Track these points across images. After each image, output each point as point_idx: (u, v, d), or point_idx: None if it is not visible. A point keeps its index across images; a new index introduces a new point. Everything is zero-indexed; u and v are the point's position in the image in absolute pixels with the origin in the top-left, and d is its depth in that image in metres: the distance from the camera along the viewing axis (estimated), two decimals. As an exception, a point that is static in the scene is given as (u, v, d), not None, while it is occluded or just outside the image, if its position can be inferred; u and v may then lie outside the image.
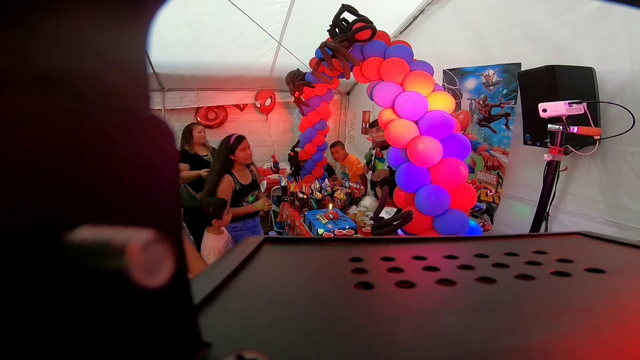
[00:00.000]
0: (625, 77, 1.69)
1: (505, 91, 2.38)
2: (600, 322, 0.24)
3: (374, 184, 3.42)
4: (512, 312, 0.26)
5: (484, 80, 2.54)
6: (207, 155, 3.14)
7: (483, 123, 2.58)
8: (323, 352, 0.20)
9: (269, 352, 0.19)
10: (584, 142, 1.76)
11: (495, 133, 2.48)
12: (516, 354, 0.20)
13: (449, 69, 2.85)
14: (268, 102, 4.60)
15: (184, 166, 2.91)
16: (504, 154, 2.43)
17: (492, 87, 2.48)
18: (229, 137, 2.34)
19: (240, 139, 2.32)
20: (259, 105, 4.58)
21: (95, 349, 0.14)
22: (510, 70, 2.31)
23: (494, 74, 2.45)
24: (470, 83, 2.67)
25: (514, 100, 2.30)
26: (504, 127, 2.40)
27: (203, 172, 2.88)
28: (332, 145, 3.82)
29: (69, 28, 0.14)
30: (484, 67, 2.52)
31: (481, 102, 2.57)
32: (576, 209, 1.99)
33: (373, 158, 3.31)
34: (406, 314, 0.26)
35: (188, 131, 3.07)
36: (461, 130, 2.53)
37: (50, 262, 0.12)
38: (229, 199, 2.22)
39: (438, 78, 2.64)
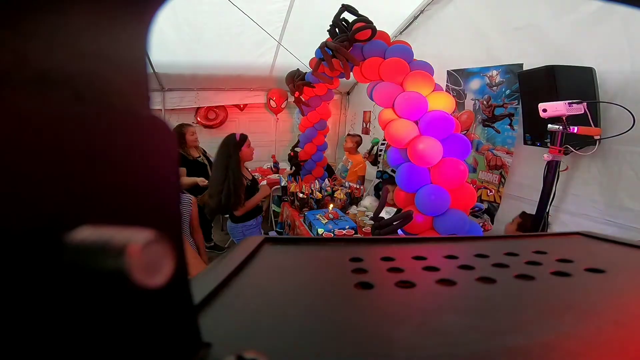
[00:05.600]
0: (625, 77, 1.69)
1: (508, 92, 2.38)
2: (600, 322, 0.24)
3: (376, 187, 3.41)
4: (512, 312, 0.26)
5: (488, 81, 2.54)
6: (200, 157, 3.13)
7: (487, 123, 2.58)
8: (323, 352, 0.20)
9: (269, 352, 0.19)
10: (584, 142, 1.76)
11: (499, 133, 2.48)
12: (516, 354, 0.20)
13: (453, 70, 2.85)
14: (283, 103, 4.59)
15: (181, 170, 2.88)
16: (507, 153, 2.43)
17: (495, 87, 2.48)
18: (233, 135, 2.37)
19: (244, 136, 2.40)
20: (274, 105, 4.56)
21: (96, 349, 0.14)
22: (512, 70, 2.31)
23: (497, 74, 2.46)
24: (475, 84, 2.68)
25: (517, 101, 2.30)
26: (508, 127, 2.40)
27: (200, 180, 2.85)
28: (352, 135, 3.78)
29: (69, 28, 0.14)
30: (488, 68, 2.52)
31: (485, 102, 2.58)
32: (576, 209, 1.99)
33: (379, 150, 3.30)
34: (406, 314, 0.26)
35: (179, 135, 2.96)
36: (464, 130, 2.53)
37: (50, 262, 0.12)
38: (244, 194, 2.31)
39: (440, 78, 2.64)
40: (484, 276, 0.31)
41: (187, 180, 2.85)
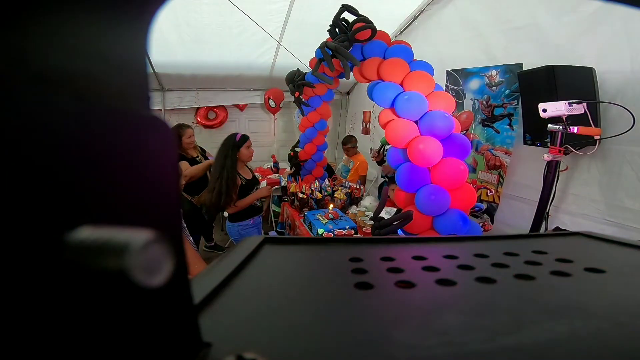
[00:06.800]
0: (625, 77, 1.69)
1: (507, 92, 2.38)
2: (600, 322, 0.24)
3: (380, 186, 3.40)
4: (512, 312, 0.26)
5: (487, 81, 2.54)
6: (198, 156, 3.14)
7: (486, 123, 2.58)
8: (323, 352, 0.20)
9: (269, 352, 0.19)
10: (584, 142, 1.76)
11: (498, 133, 2.48)
12: (516, 354, 0.20)
13: (452, 70, 2.85)
14: (281, 103, 4.57)
15: (184, 164, 2.86)
16: (506, 153, 2.43)
17: (495, 87, 2.48)
18: (234, 135, 2.39)
19: (246, 137, 2.42)
20: (273, 105, 4.56)
21: (96, 349, 0.14)
22: (512, 70, 2.31)
23: (496, 74, 2.45)
24: (474, 84, 2.67)
25: (516, 101, 2.30)
26: (508, 127, 2.40)
27: (212, 160, 2.84)
28: (345, 142, 3.79)
29: (68, 28, 0.14)
30: (487, 68, 2.52)
31: (484, 102, 2.58)
32: (576, 209, 1.99)
33: (385, 149, 3.29)
34: (406, 314, 0.26)
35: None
36: (463, 130, 2.54)
37: (50, 262, 0.12)
38: (236, 194, 2.33)
39: (440, 78, 2.64)
40: (483, 276, 0.31)
41: (198, 167, 2.84)
